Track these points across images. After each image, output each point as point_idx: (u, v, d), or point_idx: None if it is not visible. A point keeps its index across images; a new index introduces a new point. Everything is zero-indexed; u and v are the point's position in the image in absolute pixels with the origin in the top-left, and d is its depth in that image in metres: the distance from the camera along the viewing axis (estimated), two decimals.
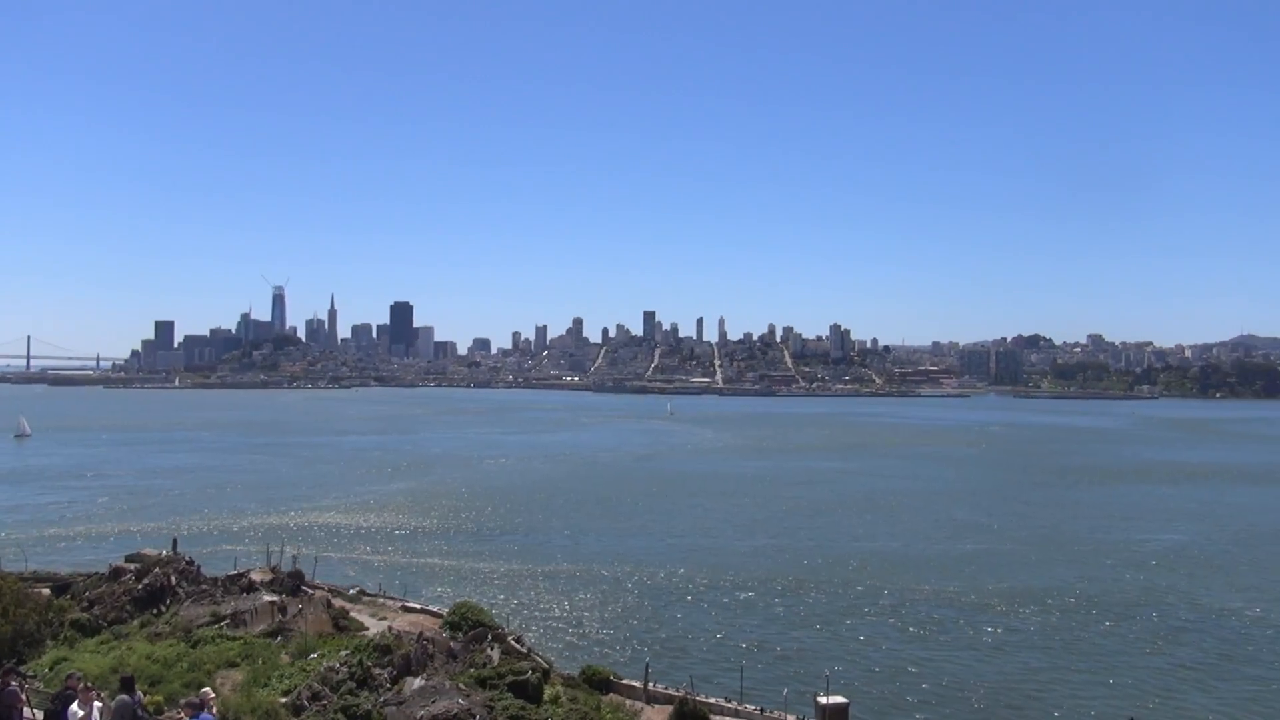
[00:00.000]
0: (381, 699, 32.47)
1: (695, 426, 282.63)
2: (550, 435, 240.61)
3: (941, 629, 64.53)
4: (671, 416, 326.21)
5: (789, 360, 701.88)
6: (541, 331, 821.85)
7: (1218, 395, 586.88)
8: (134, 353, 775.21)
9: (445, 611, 49.16)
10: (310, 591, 51.44)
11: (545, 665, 41.30)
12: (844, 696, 42.58)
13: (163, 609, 46.26)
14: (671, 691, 41.14)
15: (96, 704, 24.93)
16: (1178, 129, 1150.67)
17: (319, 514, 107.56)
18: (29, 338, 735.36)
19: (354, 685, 33.15)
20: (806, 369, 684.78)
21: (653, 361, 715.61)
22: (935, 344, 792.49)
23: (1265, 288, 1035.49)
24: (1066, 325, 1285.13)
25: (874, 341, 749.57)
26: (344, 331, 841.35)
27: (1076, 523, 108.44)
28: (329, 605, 47.48)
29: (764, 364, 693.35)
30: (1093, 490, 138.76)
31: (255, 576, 53.03)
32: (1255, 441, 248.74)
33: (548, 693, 35.85)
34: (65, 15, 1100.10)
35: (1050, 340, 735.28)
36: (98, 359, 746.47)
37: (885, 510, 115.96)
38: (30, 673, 33.58)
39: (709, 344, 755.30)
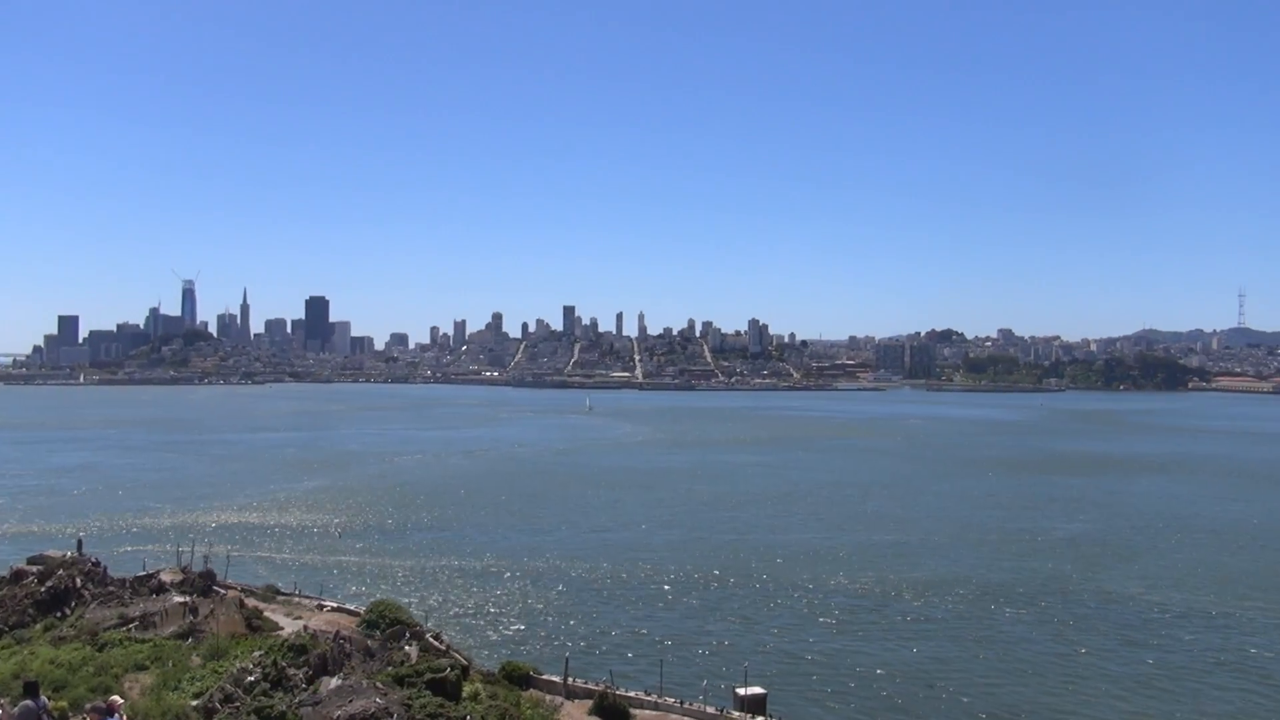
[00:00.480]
0: (297, 700, 32.01)
1: (614, 421, 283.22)
2: (469, 431, 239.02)
3: (856, 619, 65.78)
4: (591, 411, 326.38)
5: (708, 355, 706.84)
6: (460, 326, 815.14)
7: (1121, 387, 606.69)
8: (36, 349, 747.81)
9: (362, 610, 48.71)
10: (222, 592, 50.50)
11: (464, 662, 41.13)
12: (762, 687, 43.25)
13: (67, 612, 44.96)
14: (592, 686, 41.30)
15: None
16: (1082, 127, 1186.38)
17: (232, 513, 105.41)
18: None
19: (268, 686, 32.64)
20: (725, 363, 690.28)
21: (572, 356, 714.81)
22: (852, 338, 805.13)
23: (1166, 283, 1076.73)
24: (978, 320, 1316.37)
25: (792, 336, 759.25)
26: (257, 326, 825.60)
27: (986, 513, 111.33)
28: (242, 605, 46.64)
29: (683, 358, 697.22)
30: (1001, 481, 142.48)
31: (165, 577, 51.86)
32: (1155, 432, 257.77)
33: (467, 690, 35.71)
34: None
35: (962, 335, 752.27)
36: None
37: (802, 503, 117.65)
38: None
39: (629, 339, 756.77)
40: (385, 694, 31.76)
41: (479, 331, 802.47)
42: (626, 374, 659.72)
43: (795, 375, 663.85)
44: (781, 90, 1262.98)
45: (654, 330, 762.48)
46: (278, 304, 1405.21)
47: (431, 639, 43.79)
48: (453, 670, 35.39)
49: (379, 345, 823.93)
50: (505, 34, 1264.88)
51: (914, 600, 70.58)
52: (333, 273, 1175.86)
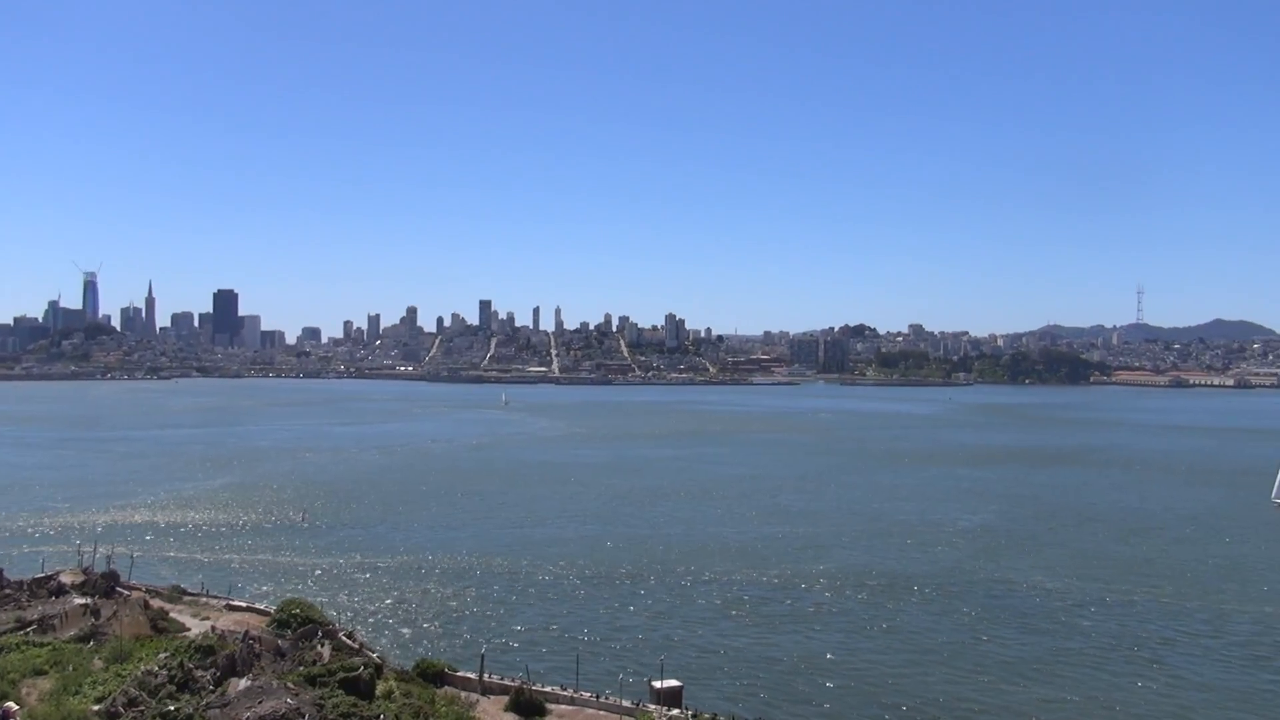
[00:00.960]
0: (204, 702, 31.44)
1: (531, 416, 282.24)
2: (382, 426, 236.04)
3: (769, 611, 66.78)
4: (507, 406, 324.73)
5: (625, 349, 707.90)
6: (374, 320, 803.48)
7: (1026, 381, 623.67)
8: None
9: (273, 609, 47.93)
10: (126, 593, 49.27)
11: (378, 660, 40.80)
12: (677, 680, 43.69)
13: None
14: (508, 682, 41.27)
15: None
16: (993, 127, 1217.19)
17: (136, 511, 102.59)
18: None
19: (174, 689, 32.02)
20: (642, 358, 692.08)
21: (489, 351, 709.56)
22: (767, 333, 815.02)
23: (1070, 280, 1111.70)
24: (890, 315, 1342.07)
25: (708, 331, 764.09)
26: (163, 320, 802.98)
27: (895, 505, 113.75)
28: (146, 606, 45.58)
29: (600, 353, 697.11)
30: (911, 473, 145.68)
31: (65, 579, 50.41)
32: (1057, 425, 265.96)
33: (380, 688, 35.45)
34: None
35: (875, 330, 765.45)
36: None
37: (717, 497, 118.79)
38: None
39: (545, 333, 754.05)
40: (297, 694, 31.39)
41: (393, 326, 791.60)
42: (543, 369, 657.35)
43: (711, 370, 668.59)
44: (698, 82, 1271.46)
45: (571, 325, 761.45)
46: (185, 297, 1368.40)
47: (344, 638, 43.30)
48: (366, 669, 35.11)
49: (290, 339, 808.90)
50: (411, 19, 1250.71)
51: (825, 591, 71.88)
52: (242, 265, 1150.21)
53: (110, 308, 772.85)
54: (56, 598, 45.07)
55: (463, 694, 39.93)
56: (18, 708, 25.40)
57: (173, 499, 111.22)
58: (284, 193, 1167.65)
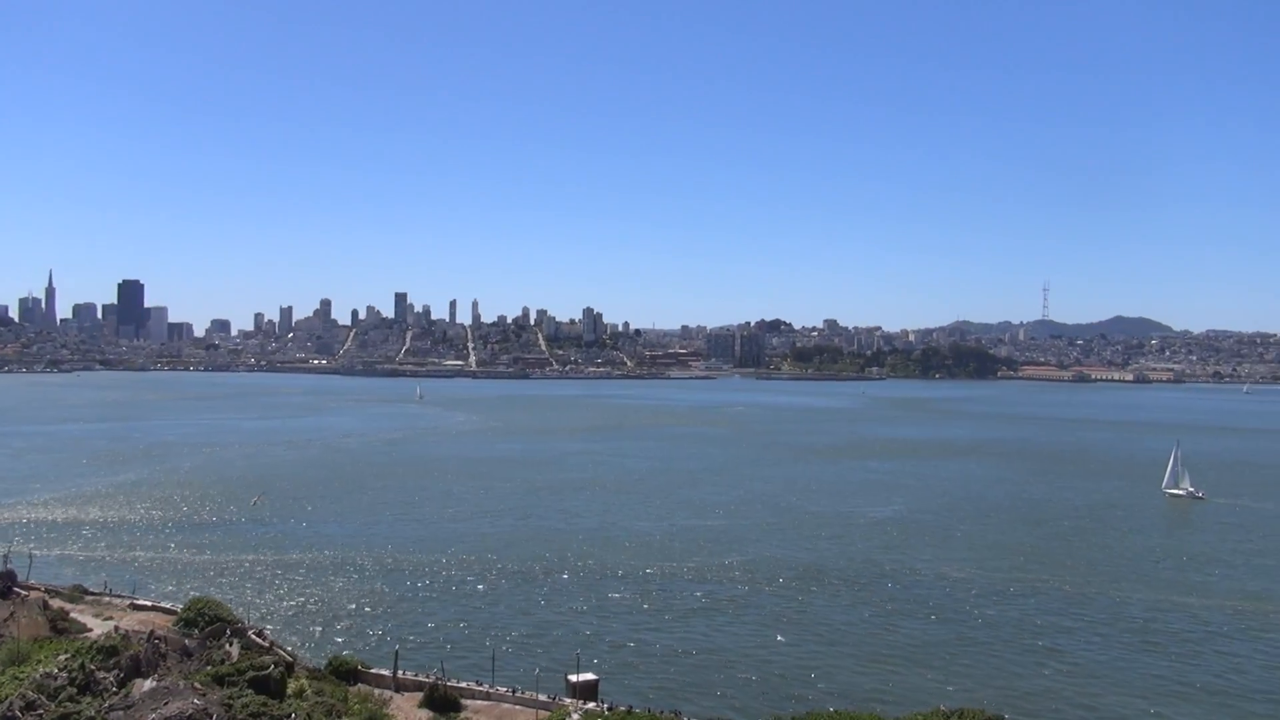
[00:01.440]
0: (107, 704, 30.73)
1: (447, 410, 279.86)
2: (294, 420, 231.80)
3: (685, 603, 67.45)
4: (422, 400, 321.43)
5: (543, 343, 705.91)
6: (286, 313, 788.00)
7: (937, 376, 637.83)
8: None
9: (179, 608, 47.06)
10: (23, 593, 47.90)
11: (289, 658, 40.32)
12: (594, 673, 43.99)
13: None
14: (422, 678, 41.13)
15: None
16: (921, 126, 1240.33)
17: (33, 509, 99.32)
18: None
19: (75, 691, 31.24)
20: (560, 351, 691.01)
21: (404, 344, 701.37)
22: (684, 328, 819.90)
23: (979, 277, 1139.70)
24: (805, 310, 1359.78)
25: (626, 325, 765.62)
26: (64, 311, 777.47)
27: (807, 498, 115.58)
28: (45, 607, 44.40)
29: (518, 346, 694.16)
30: (823, 466, 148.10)
31: None
32: (965, 418, 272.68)
33: (292, 686, 35.06)
34: None
35: (790, 325, 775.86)
36: None
37: (633, 491, 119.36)
38: None
39: (462, 326, 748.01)
40: (204, 694, 30.88)
41: (306, 318, 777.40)
42: (460, 362, 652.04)
43: (629, 364, 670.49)
44: (615, 71, 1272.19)
45: (488, 318, 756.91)
46: (87, 287, 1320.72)
47: (254, 636, 42.66)
48: (276, 667, 34.70)
49: (199, 332, 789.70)
50: (333, 5, 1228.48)
51: (739, 584, 72.83)
52: (148, 256, 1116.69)
53: (7, 298, 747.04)
54: None
55: (376, 691, 39.70)
56: None
57: (74, 496, 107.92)
58: (193, 179, 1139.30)
